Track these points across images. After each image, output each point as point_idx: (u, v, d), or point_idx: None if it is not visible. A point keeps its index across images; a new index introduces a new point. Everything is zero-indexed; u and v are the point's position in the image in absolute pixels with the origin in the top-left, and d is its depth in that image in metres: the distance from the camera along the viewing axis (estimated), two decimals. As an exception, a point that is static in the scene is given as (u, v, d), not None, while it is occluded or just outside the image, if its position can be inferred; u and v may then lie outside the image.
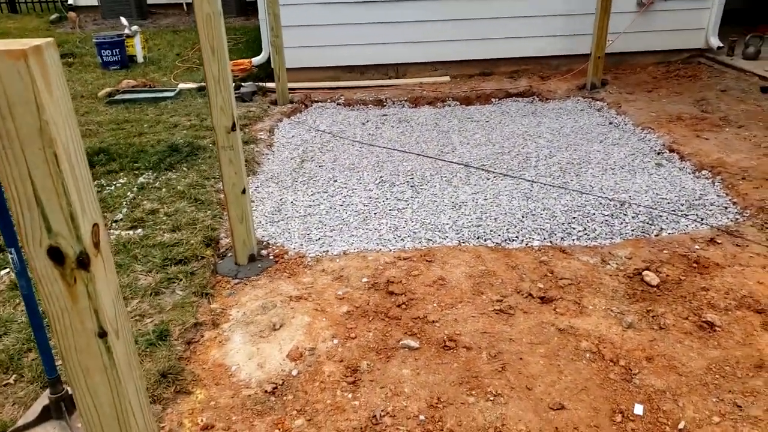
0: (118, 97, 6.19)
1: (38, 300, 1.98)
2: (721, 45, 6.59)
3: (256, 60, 6.64)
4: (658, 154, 4.61)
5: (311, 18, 6.24)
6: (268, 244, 3.46)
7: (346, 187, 4.19)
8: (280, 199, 4.03)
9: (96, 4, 11.26)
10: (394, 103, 6.12)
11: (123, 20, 8.01)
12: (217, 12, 2.75)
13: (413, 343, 2.57)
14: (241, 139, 3.08)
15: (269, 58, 6.24)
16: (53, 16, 11.35)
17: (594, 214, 3.70)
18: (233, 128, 2.97)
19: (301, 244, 3.45)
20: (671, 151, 4.59)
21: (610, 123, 5.30)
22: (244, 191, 3.12)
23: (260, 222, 3.72)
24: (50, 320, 1.19)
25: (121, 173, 4.34)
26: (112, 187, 4.10)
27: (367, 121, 5.62)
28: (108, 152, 4.67)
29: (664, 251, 3.23)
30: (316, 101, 6.17)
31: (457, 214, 3.76)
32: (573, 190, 4.00)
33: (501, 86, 6.32)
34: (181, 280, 3.05)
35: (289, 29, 6.14)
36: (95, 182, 4.18)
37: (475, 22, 6.39)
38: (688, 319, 2.69)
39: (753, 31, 7.33)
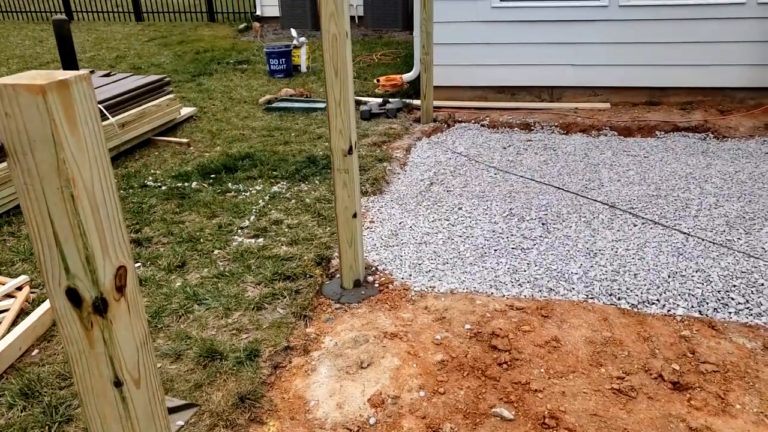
0: (275, 104, 6.53)
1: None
2: None
3: (407, 76, 6.63)
4: None
5: (464, 36, 6.07)
6: (377, 269, 3.35)
7: (470, 217, 3.95)
8: (400, 223, 3.90)
9: (278, 15, 12.15)
10: (542, 128, 5.72)
11: (293, 32, 8.49)
12: (343, 33, 2.69)
13: (507, 414, 2.27)
14: (358, 162, 2.99)
15: (419, 75, 6.16)
16: (241, 26, 12.46)
17: (763, 284, 3.05)
18: (350, 152, 2.90)
19: (410, 275, 3.28)
20: None
21: (804, 172, 4.42)
22: (355, 215, 3.03)
23: (374, 245, 3.62)
24: (69, 361, 1.15)
25: (259, 180, 4.52)
26: (248, 193, 4.28)
27: (509, 146, 5.30)
28: (252, 158, 4.91)
29: None
30: (460, 121, 5.97)
31: (590, 263, 3.33)
32: (739, 252, 3.36)
33: (669, 118, 5.61)
34: (285, 297, 3.04)
35: (440, 47, 6.02)
36: (234, 187, 4.40)
37: (646, 45, 5.74)
38: None
39: None
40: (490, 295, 3.07)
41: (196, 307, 2.95)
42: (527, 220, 3.88)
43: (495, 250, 3.53)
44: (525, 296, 3.05)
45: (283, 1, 11.74)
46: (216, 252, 3.46)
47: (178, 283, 3.16)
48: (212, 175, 4.59)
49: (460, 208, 4.09)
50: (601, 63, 5.91)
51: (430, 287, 3.15)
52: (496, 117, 5.98)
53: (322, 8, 2.67)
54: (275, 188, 4.38)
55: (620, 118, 5.69)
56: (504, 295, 3.06)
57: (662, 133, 5.43)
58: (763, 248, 3.39)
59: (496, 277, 3.24)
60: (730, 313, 2.88)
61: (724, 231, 3.61)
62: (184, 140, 5.35)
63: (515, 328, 2.75)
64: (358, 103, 6.37)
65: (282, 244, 3.56)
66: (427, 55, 5.63)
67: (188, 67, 8.47)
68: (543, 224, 3.82)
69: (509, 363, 2.54)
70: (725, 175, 4.41)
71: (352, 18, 12.15)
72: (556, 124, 5.73)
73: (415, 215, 4.02)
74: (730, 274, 3.15)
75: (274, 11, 12.09)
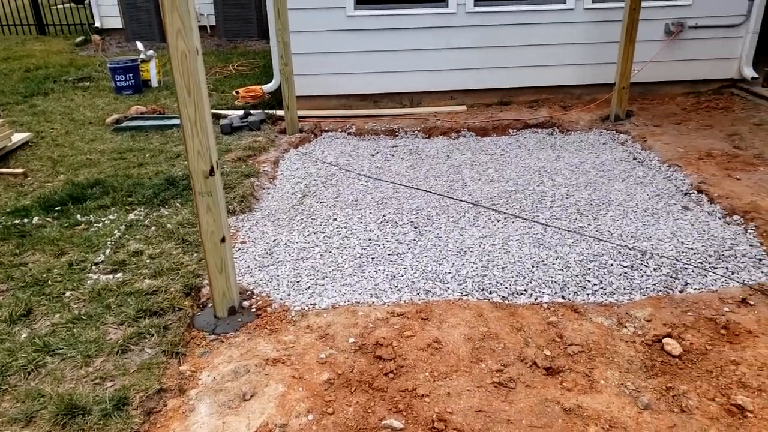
0: (125, 124, 6.08)
1: None
2: (756, 75, 6.17)
3: (267, 87, 6.48)
4: (686, 194, 4.24)
5: (323, 45, 6.06)
6: (253, 293, 3.21)
7: (345, 227, 3.93)
8: (274, 240, 3.79)
9: (121, 26, 11.34)
10: (406, 134, 5.87)
11: (139, 45, 7.98)
12: (193, 50, 2.53)
13: (397, 424, 2.27)
14: (221, 183, 2.85)
15: (280, 86, 6.05)
16: (78, 39, 11.46)
17: (612, 265, 3.36)
18: (211, 173, 2.75)
19: (289, 294, 3.19)
20: (700, 191, 4.22)
21: (635, 158, 4.95)
22: (223, 239, 2.88)
23: (248, 267, 3.48)
24: None
25: (113, 208, 4.16)
26: (100, 225, 3.91)
27: (377, 153, 5.37)
28: (103, 185, 4.51)
29: (689, 313, 2.87)
30: (327, 131, 5.96)
31: (461, 262, 3.46)
32: (590, 237, 3.67)
33: (520, 116, 6.02)
34: (152, 335, 2.80)
35: (300, 56, 5.97)
36: (84, 218, 4.00)
37: (494, 49, 6.12)
38: (714, 401, 2.33)
39: (792, 58, 6.91)
40: (371, 304, 3.06)
41: (48, 359, 2.62)
42: (400, 225, 3.94)
43: (372, 258, 3.55)
44: (405, 301, 3.09)
45: (126, 11, 10.98)
46: (68, 294, 3.12)
47: (24, 335, 2.80)
48: (57, 208, 4.14)
49: (335, 219, 4.06)
50: (455, 68, 6.20)
51: (311, 305, 3.09)
52: (361, 125, 6.04)
53: (167, 24, 2.50)
54: (132, 216, 4.05)
55: (476, 119, 6.00)
56: (385, 303, 3.08)
57: (515, 130, 5.81)
58: (610, 231, 3.73)
59: (375, 285, 3.25)
60: (588, 294, 3.13)
61: (576, 219, 3.92)
62: (19, 170, 4.78)
63: (398, 335, 2.77)
64: (217, 117, 6.12)
65: (145, 277, 3.30)
66: (286, 65, 5.54)
67: (18, 87, 7.62)
68: (415, 228, 3.91)
69: (395, 371, 2.55)
70: (572, 167, 4.81)
71: (204, 28, 11.67)
72: (419, 128, 5.91)
73: (289, 230, 3.92)
74: (585, 258, 3.43)
75: (117, 22, 11.27)
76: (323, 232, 3.88)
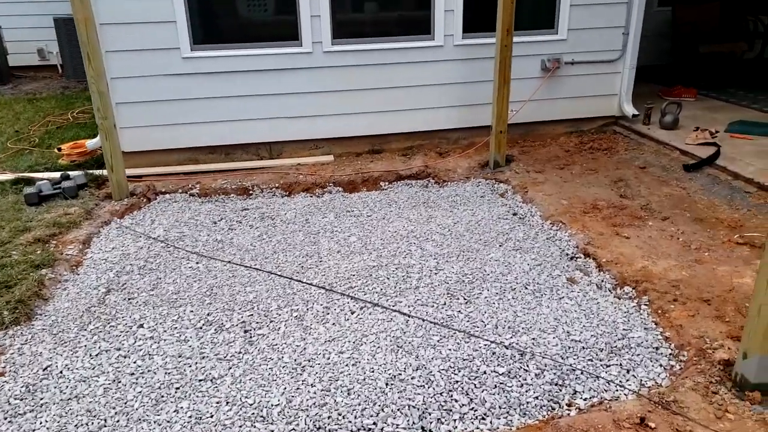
0: None
1: None
2: (636, 113, 5.88)
3: (91, 143, 5.39)
4: (571, 259, 3.67)
5: (158, 93, 5.11)
6: (-19, 471, 2.21)
7: (151, 338, 3.00)
8: (46, 368, 2.78)
9: (-52, 69, 9.75)
10: (263, 191, 5.01)
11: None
12: None
13: None
14: None
15: (108, 141, 5.03)
16: None
17: (485, 373, 2.65)
18: None
19: (38, 466, 2.21)
20: (586, 255, 3.67)
21: (515, 214, 4.37)
22: None
23: (-8, 419, 2.46)
24: None
25: None
26: None
27: (221, 219, 4.47)
28: None
29: (579, 451, 2.19)
30: (164, 192, 4.98)
31: (296, 385, 2.63)
32: (459, 331, 2.96)
33: (392, 167, 5.34)
34: None
35: (130, 106, 5.03)
36: None
37: (360, 92, 5.43)
38: None
39: (669, 92, 6.79)
40: (151, 477, 2.15)
41: None
42: (227, 329, 3.06)
43: (177, 388, 2.64)
44: (204, 464, 2.21)
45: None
46: None
47: None
48: None
49: (141, 326, 3.11)
50: (318, 113, 5.44)
51: (61, 485, 2.13)
52: (209, 182, 5.12)
53: None
54: None
55: (344, 172, 5.25)
56: (174, 471, 2.18)
57: (387, 183, 5.11)
58: (483, 321, 3.04)
59: (169, 436, 2.35)
60: (455, 420, 2.40)
61: (445, 303, 3.21)
62: None
63: None
64: (28, 182, 4.99)
65: None
66: (105, 119, 4.55)
67: None
68: (245, 332, 3.04)
69: None
70: (444, 230, 4.13)
71: (53, 67, 10.32)
72: (278, 185, 5.08)
73: (72, 349, 2.93)
74: (452, 365, 2.70)
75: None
76: (119, 349, 2.92)
